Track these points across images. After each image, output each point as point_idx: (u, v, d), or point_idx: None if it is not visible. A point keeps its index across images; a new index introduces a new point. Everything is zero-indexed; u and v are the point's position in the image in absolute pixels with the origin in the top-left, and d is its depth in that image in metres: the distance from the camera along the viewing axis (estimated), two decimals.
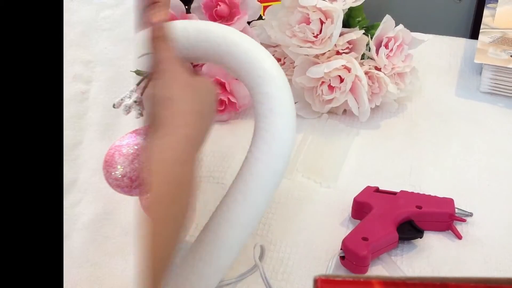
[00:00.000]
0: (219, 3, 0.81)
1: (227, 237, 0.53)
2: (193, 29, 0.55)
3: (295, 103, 0.82)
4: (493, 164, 0.75)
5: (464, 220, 0.65)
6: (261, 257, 0.58)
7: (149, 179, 0.43)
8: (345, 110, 0.84)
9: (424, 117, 0.84)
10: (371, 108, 0.80)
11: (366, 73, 0.79)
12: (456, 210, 0.64)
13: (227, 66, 0.55)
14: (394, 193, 0.66)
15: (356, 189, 0.67)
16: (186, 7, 0.83)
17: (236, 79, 0.81)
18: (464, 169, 0.74)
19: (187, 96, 0.48)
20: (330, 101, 0.80)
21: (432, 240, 0.63)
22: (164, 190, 0.43)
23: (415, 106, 0.87)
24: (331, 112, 0.83)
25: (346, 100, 0.79)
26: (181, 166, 0.45)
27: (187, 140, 0.46)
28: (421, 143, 0.79)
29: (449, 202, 0.65)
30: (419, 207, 0.63)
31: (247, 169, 0.53)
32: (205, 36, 0.54)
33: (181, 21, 0.57)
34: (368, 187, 0.67)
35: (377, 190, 0.67)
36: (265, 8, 0.85)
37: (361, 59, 0.81)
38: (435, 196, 0.66)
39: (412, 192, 0.66)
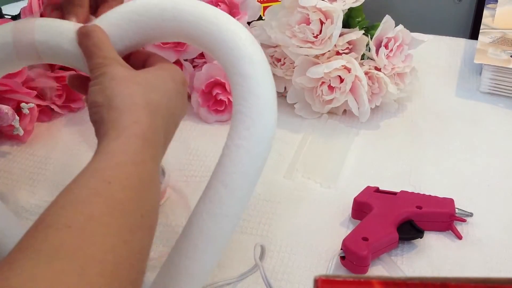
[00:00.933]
0: (219, 3, 0.81)
1: (212, 231, 0.49)
2: (158, 9, 0.50)
3: (295, 103, 0.83)
4: (493, 164, 0.75)
5: (464, 220, 0.65)
6: (261, 257, 0.58)
7: (104, 185, 0.39)
8: (345, 111, 0.84)
9: (424, 117, 0.84)
10: (371, 108, 0.80)
11: (366, 73, 0.79)
12: (456, 210, 0.64)
13: (200, 45, 0.51)
14: (394, 193, 0.66)
15: (356, 189, 0.67)
16: None
17: None
18: (464, 169, 0.74)
19: (133, 93, 0.45)
20: (330, 101, 0.80)
21: (432, 240, 0.63)
22: (122, 196, 0.39)
23: (415, 106, 0.87)
24: (331, 112, 0.83)
25: (346, 101, 0.79)
26: (137, 167, 0.41)
27: (139, 139, 0.42)
28: (421, 143, 0.79)
29: (449, 202, 0.65)
30: (419, 207, 0.63)
31: (227, 156, 0.50)
32: (172, 14, 0.50)
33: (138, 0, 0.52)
34: (368, 187, 0.67)
35: (377, 190, 0.67)
36: (265, 8, 0.86)
37: (361, 60, 0.81)
38: (435, 196, 0.66)
39: (412, 192, 0.66)
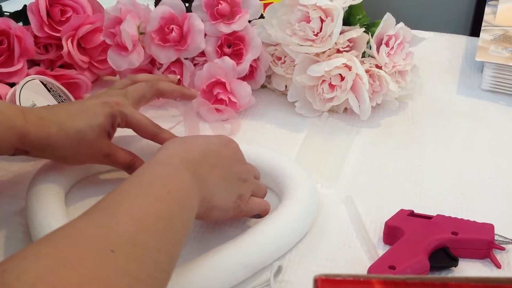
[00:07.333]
0: (221, 1, 0.81)
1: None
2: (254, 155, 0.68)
3: (296, 102, 0.82)
4: (494, 162, 0.75)
5: (503, 249, 0.60)
6: (276, 274, 0.57)
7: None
8: (346, 109, 0.83)
9: (425, 115, 0.84)
10: (372, 106, 0.80)
11: (367, 71, 0.79)
12: (495, 236, 0.59)
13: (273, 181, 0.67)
14: (429, 217, 0.61)
15: (357, 188, 0.67)
16: (186, 4, 0.83)
17: (237, 79, 0.81)
18: (465, 167, 0.74)
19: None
20: (330, 99, 0.79)
21: (467, 269, 0.59)
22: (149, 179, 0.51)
23: (416, 104, 0.87)
24: (331, 110, 0.83)
25: (347, 99, 0.79)
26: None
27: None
28: (422, 141, 0.79)
29: (489, 228, 0.60)
30: (455, 233, 0.59)
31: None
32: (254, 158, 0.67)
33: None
34: (402, 211, 0.63)
35: (411, 213, 0.62)
36: (265, 6, 0.85)
37: (361, 57, 0.81)
38: (473, 221, 0.61)
39: (449, 217, 0.62)
